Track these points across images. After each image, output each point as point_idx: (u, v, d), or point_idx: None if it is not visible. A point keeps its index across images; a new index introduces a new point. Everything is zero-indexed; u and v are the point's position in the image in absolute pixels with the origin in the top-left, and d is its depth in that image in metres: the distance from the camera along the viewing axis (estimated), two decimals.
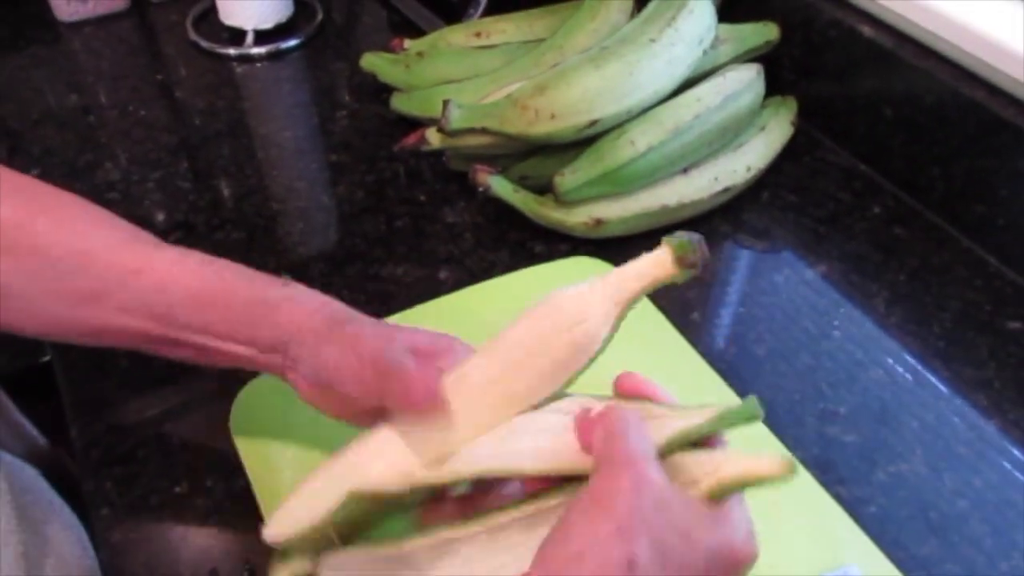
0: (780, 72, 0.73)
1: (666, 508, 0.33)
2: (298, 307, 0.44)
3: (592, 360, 0.39)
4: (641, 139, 0.60)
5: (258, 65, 0.86)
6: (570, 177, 0.61)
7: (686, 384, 0.55)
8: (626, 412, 0.36)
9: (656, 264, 0.37)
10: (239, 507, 0.49)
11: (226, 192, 0.71)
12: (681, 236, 0.37)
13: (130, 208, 0.69)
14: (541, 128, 0.60)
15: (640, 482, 0.33)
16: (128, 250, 0.44)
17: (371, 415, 0.43)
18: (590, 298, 0.38)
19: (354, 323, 0.43)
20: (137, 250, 0.44)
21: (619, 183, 0.61)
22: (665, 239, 0.37)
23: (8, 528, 0.46)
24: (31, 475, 0.58)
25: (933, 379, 0.56)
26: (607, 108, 0.59)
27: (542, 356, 0.38)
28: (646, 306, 0.60)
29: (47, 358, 0.59)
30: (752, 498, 0.49)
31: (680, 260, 0.37)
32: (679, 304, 0.60)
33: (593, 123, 0.60)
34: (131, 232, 0.46)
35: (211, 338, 0.44)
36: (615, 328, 0.38)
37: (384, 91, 0.77)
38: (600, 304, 0.38)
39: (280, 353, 0.44)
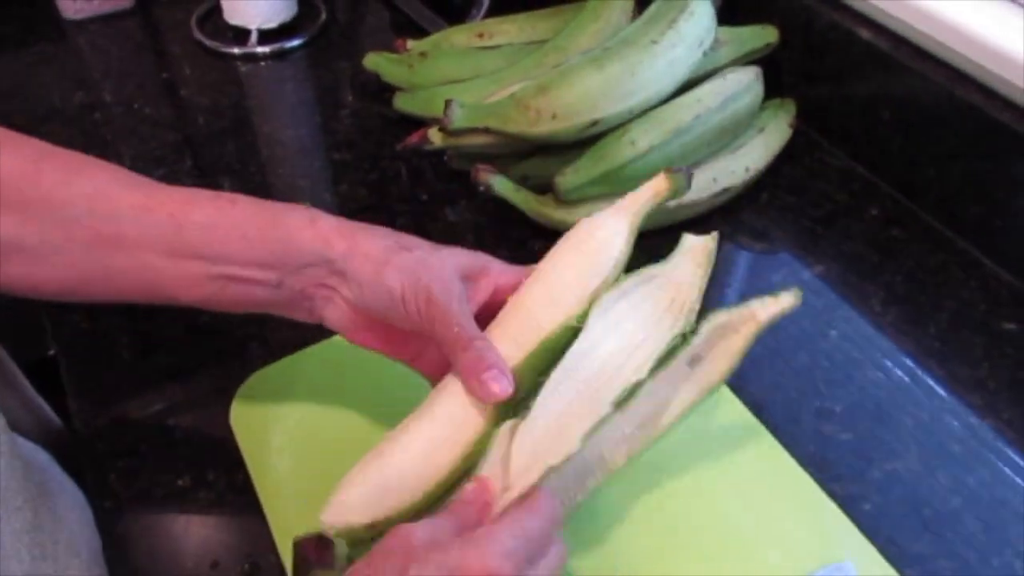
0: (779, 74, 0.74)
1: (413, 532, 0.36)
2: (334, 225, 0.44)
3: (614, 270, 0.45)
4: (642, 139, 0.60)
5: (262, 64, 0.86)
6: (571, 176, 0.61)
7: None
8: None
9: (654, 188, 0.47)
10: (241, 500, 0.50)
11: (230, 189, 0.71)
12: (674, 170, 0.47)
13: None
14: (543, 128, 0.61)
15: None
16: (136, 189, 0.44)
17: (411, 347, 0.46)
18: (603, 217, 0.46)
19: (417, 249, 0.43)
20: (145, 189, 0.44)
21: (620, 183, 0.61)
22: (663, 171, 0.48)
23: (15, 504, 0.46)
24: (44, 458, 0.59)
25: (928, 378, 0.57)
26: (608, 108, 0.60)
27: (569, 270, 0.45)
28: None
29: (52, 352, 0.60)
30: (749, 495, 0.49)
31: (672, 185, 0.47)
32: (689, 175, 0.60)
33: (594, 123, 0.60)
34: (138, 177, 0.45)
35: (231, 266, 0.43)
36: (628, 241, 0.46)
37: (387, 91, 0.77)
38: (611, 219, 0.46)
39: (312, 277, 0.43)
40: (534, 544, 0.37)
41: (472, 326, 0.42)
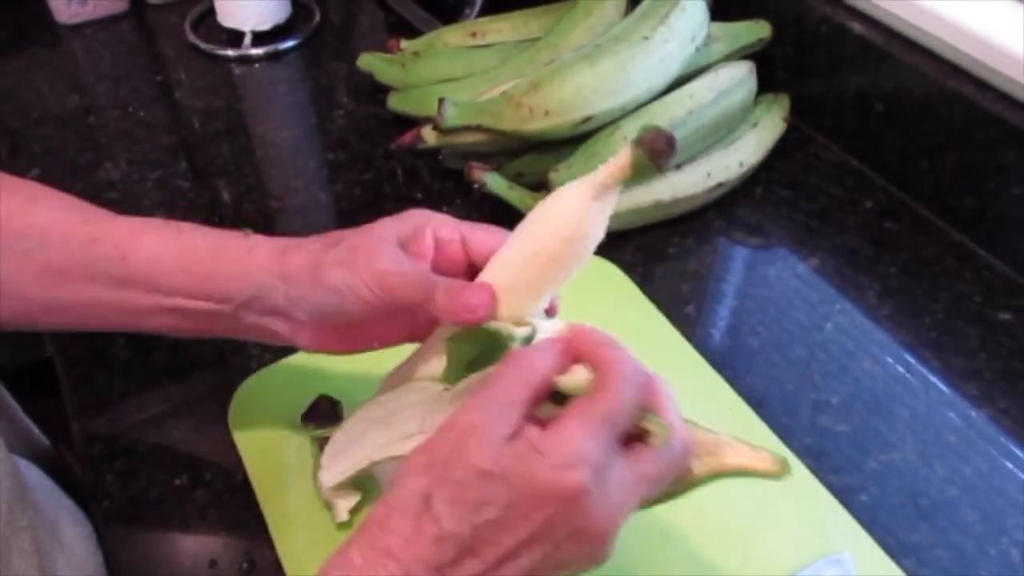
0: (772, 69, 0.74)
1: (465, 450, 0.33)
2: (268, 250, 0.43)
3: (584, 253, 0.40)
4: (634, 134, 0.60)
5: (256, 66, 0.87)
6: (564, 173, 0.61)
7: (679, 376, 0.55)
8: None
9: (619, 165, 0.38)
10: (238, 500, 0.50)
11: (224, 191, 0.72)
12: (642, 146, 0.37)
13: (129, 207, 0.69)
14: (535, 125, 0.61)
15: (455, 423, 0.34)
16: (85, 222, 0.44)
17: (398, 329, 0.44)
18: (567, 197, 0.39)
19: (343, 240, 0.42)
20: (93, 221, 0.44)
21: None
22: (632, 142, 0.38)
23: (20, 525, 0.46)
24: (37, 474, 0.59)
25: (924, 369, 0.57)
26: (601, 104, 0.60)
27: (539, 255, 0.40)
28: (639, 299, 0.61)
29: (48, 354, 0.60)
30: (745, 487, 0.49)
31: (636, 165, 0.38)
32: (673, 297, 0.61)
33: (587, 119, 0.60)
34: (87, 207, 0.46)
35: (180, 299, 0.43)
36: (599, 219, 0.39)
37: (381, 91, 0.77)
38: (577, 199, 0.39)
39: (261, 306, 0.43)
40: (610, 431, 0.34)
41: (424, 274, 0.41)
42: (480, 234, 0.43)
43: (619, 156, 0.38)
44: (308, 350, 0.45)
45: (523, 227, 0.41)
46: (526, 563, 0.32)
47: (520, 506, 0.32)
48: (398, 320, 0.45)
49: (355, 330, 0.45)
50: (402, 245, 0.42)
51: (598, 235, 0.40)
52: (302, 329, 0.44)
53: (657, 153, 0.37)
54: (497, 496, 0.32)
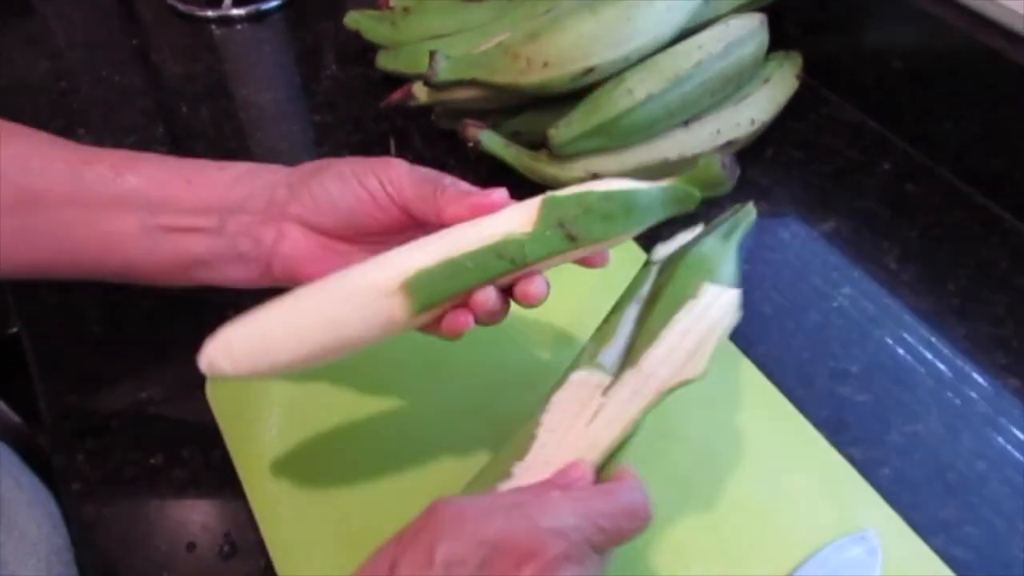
0: (784, 26, 0.70)
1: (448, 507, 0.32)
2: (271, 166, 0.43)
3: None
4: (639, 88, 0.57)
5: (238, 27, 0.82)
6: (565, 129, 0.57)
7: None
8: None
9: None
10: (217, 479, 0.47)
11: (205, 156, 0.67)
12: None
13: None
14: (533, 77, 0.57)
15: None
16: (72, 149, 0.42)
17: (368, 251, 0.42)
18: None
19: (337, 160, 0.42)
20: (80, 147, 0.42)
21: (616, 135, 0.58)
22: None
23: None
24: None
25: (948, 337, 0.53)
26: (603, 55, 0.56)
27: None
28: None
29: (14, 329, 0.57)
30: (762, 461, 0.46)
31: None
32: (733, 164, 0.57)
33: (589, 71, 0.57)
34: (70, 141, 0.43)
35: (169, 214, 0.41)
36: None
37: (369, 50, 0.73)
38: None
39: (249, 214, 0.41)
40: (600, 537, 0.32)
41: (444, 175, 0.41)
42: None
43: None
44: (279, 274, 0.42)
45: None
46: None
47: (483, 564, 0.30)
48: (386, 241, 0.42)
49: (335, 254, 0.42)
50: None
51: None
52: (287, 232, 0.41)
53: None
54: (459, 549, 0.30)
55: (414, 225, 0.41)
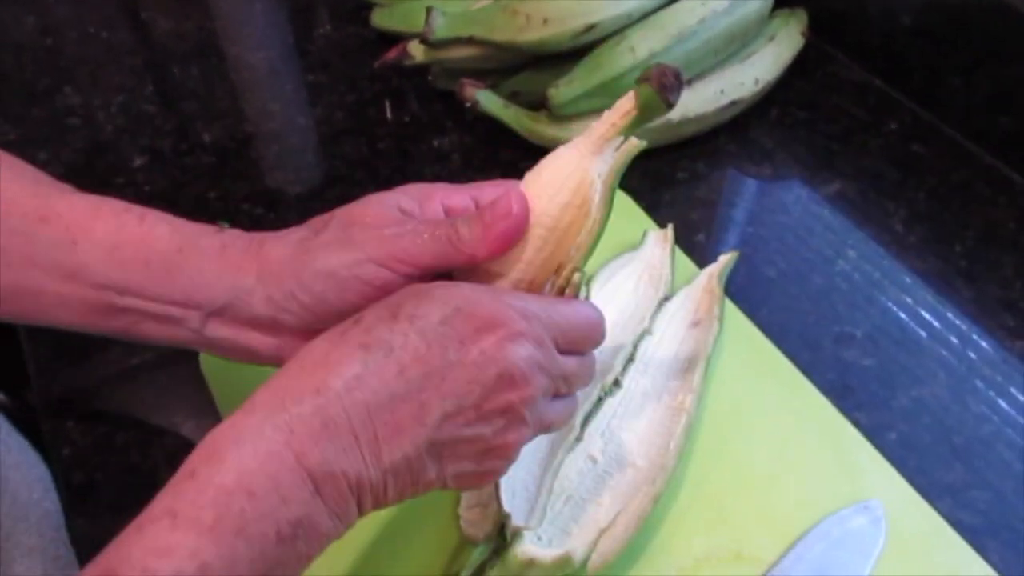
0: None
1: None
2: (243, 246, 0.36)
3: (591, 223, 0.35)
4: (642, 45, 0.55)
5: None
6: (565, 89, 0.56)
7: None
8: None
9: (620, 111, 0.34)
10: None
11: (195, 116, 0.66)
12: (649, 82, 0.33)
13: (92, 133, 0.64)
14: (533, 34, 0.55)
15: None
16: (34, 195, 0.36)
17: None
18: (563, 158, 0.35)
19: (332, 218, 0.36)
20: (43, 195, 0.36)
21: (618, 95, 0.55)
22: (636, 82, 0.34)
23: None
24: None
25: (955, 299, 0.52)
26: (604, 11, 0.55)
27: (537, 227, 0.35)
28: (647, 226, 0.56)
29: None
30: (767, 426, 0.45)
31: (643, 105, 0.34)
32: (683, 225, 0.56)
33: (590, 28, 0.55)
34: (41, 178, 0.38)
35: (139, 299, 0.36)
36: (603, 178, 0.35)
37: (364, 8, 0.72)
38: (575, 158, 0.35)
39: (236, 315, 0.36)
40: (557, 334, 0.33)
41: (445, 219, 0.36)
42: (490, 190, 0.37)
43: (619, 103, 0.34)
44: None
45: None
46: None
47: (446, 320, 0.31)
48: None
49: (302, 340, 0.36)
50: (404, 214, 0.36)
51: (606, 198, 0.35)
52: (288, 343, 0.36)
53: (666, 88, 0.33)
54: (424, 307, 0.31)
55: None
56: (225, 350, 0.37)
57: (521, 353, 0.31)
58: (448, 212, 0.38)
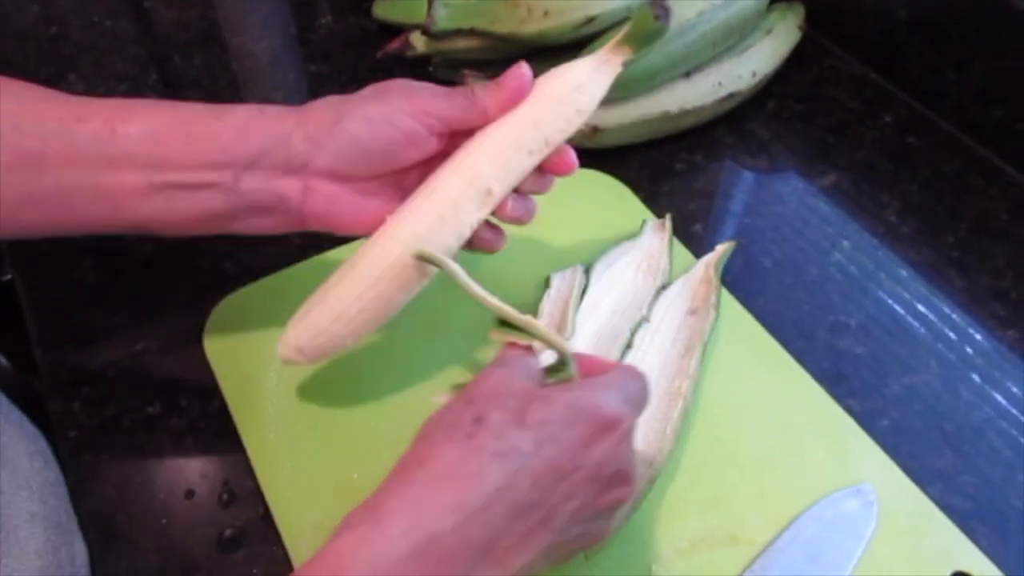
0: None
1: (512, 381, 0.34)
2: (281, 108, 0.40)
3: (575, 116, 0.42)
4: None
5: None
6: None
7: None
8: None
9: (622, 33, 0.42)
10: (215, 427, 0.47)
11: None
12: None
13: None
14: (534, 26, 0.56)
15: (494, 369, 0.35)
16: (66, 103, 0.39)
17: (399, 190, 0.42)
18: (568, 68, 0.42)
19: (369, 86, 0.41)
20: (75, 102, 0.40)
21: (618, 86, 0.56)
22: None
23: None
24: None
25: (947, 289, 0.53)
26: (604, 3, 0.55)
27: (526, 117, 0.41)
28: (645, 217, 0.57)
29: (8, 277, 0.56)
30: (761, 413, 0.46)
31: (638, 23, 0.41)
32: (680, 216, 0.57)
33: (590, 20, 0.56)
34: (69, 95, 0.41)
35: (177, 172, 0.39)
36: (597, 86, 0.42)
37: (366, 0, 0.72)
38: (577, 68, 0.42)
39: (270, 161, 0.40)
40: (636, 404, 0.35)
41: (466, 88, 0.41)
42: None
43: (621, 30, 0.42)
44: (314, 225, 0.42)
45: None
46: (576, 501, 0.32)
47: (572, 424, 0.32)
48: (418, 174, 0.42)
49: (369, 196, 0.42)
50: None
51: (592, 102, 0.42)
52: (316, 187, 0.40)
53: (657, 5, 0.40)
54: (549, 412, 0.32)
55: (446, 146, 0.42)
56: (253, 205, 0.41)
57: (631, 449, 0.35)
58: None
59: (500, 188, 0.41)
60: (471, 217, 0.41)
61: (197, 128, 0.39)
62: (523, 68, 0.41)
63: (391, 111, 0.39)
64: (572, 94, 0.41)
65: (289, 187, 0.40)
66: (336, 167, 0.40)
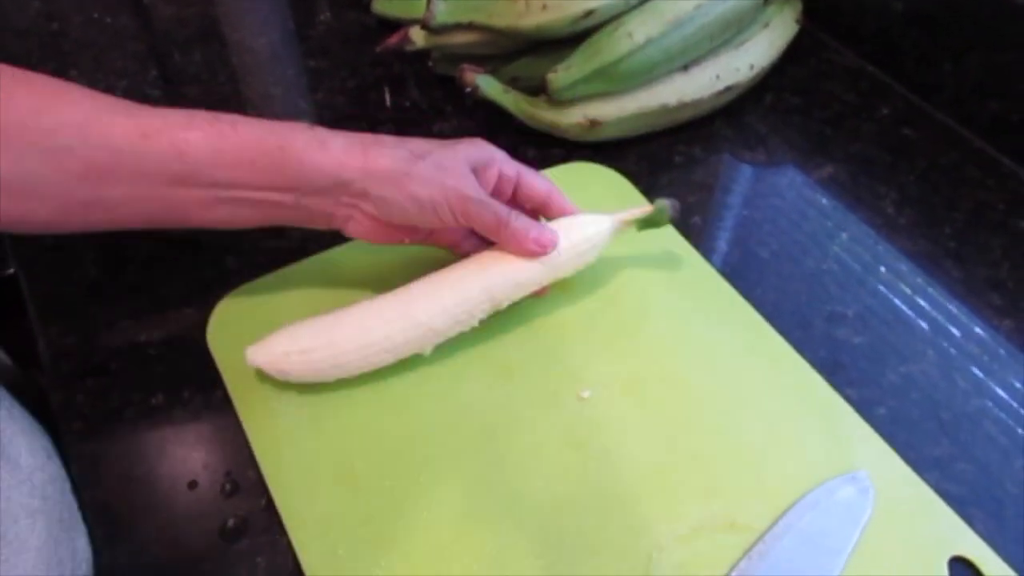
0: None
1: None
2: (344, 145, 0.44)
3: (582, 262, 0.49)
4: (640, 31, 0.56)
5: None
6: (564, 74, 0.57)
7: (688, 285, 0.52)
8: None
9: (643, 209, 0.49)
10: (218, 419, 0.47)
11: (198, 100, 0.67)
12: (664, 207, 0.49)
13: None
14: (532, 20, 0.56)
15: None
16: (128, 116, 0.41)
17: (425, 240, 0.48)
18: (590, 225, 0.49)
19: (430, 155, 0.44)
20: (138, 115, 0.41)
21: (616, 80, 0.57)
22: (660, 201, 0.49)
23: None
24: None
25: (944, 279, 0.54)
26: None
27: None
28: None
29: (11, 271, 0.56)
30: (759, 400, 0.47)
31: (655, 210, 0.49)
32: (680, 208, 0.57)
33: (588, 13, 0.56)
34: (125, 102, 0.42)
35: (243, 191, 0.43)
36: (604, 242, 0.49)
37: None
38: (599, 226, 0.49)
39: (330, 194, 0.44)
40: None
41: (500, 206, 0.45)
42: (531, 178, 0.48)
43: (642, 207, 0.50)
44: (351, 236, 0.47)
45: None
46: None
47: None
48: (451, 232, 0.49)
49: (407, 230, 0.47)
50: (473, 171, 0.45)
51: (596, 253, 0.49)
52: (361, 219, 0.46)
53: (672, 211, 0.49)
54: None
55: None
56: (304, 217, 0.45)
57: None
58: (500, 179, 0.47)
59: (507, 302, 0.47)
60: (477, 317, 0.47)
61: (261, 158, 0.42)
62: (550, 241, 0.46)
63: (439, 202, 0.44)
64: (587, 249, 0.48)
65: (339, 210, 0.45)
66: (378, 215, 0.45)
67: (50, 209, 0.41)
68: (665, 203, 0.49)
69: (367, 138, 0.45)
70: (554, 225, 0.48)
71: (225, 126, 0.42)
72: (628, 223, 0.49)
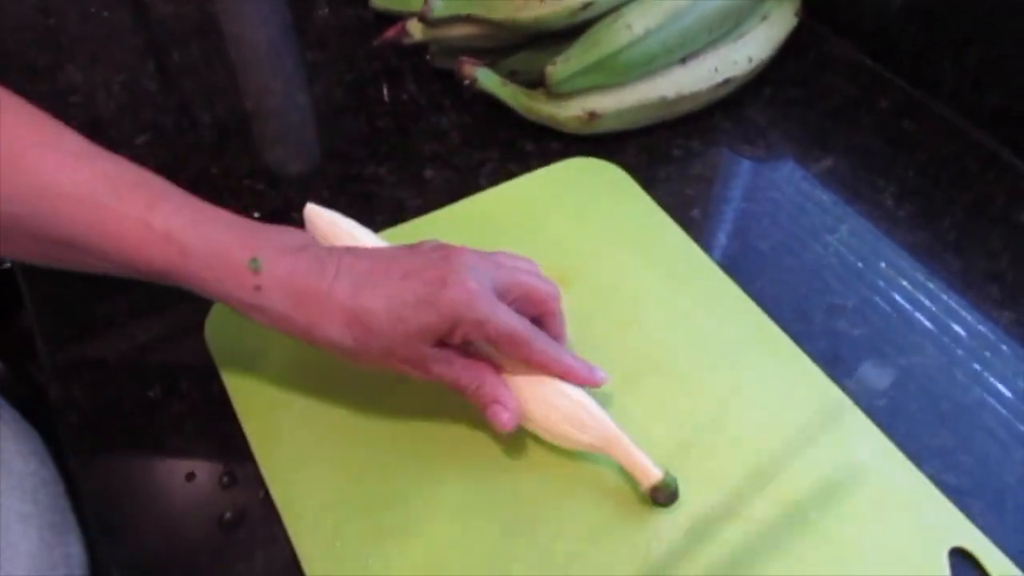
0: None
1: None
2: (348, 288, 0.40)
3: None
4: (639, 22, 0.56)
5: None
6: (562, 66, 0.57)
7: (687, 278, 0.52)
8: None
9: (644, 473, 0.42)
10: (216, 411, 0.47)
11: (195, 93, 0.67)
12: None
13: (94, 111, 0.65)
14: (530, 13, 0.56)
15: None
16: (131, 200, 0.38)
17: None
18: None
19: (426, 270, 0.41)
20: (140, 195, 0.38)
21: (615, 72, 0.57)
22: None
23: None
24: None
25: (944, 272, 0.53)
26: None
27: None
28: (644, 201, 0.57)
29: (7, 265, 0.56)
30: (761, 393, 0.47)
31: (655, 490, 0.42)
32: (678, 201, 0.57)
33: (587, 6, 0.56)
34: (92, 149, 0.40)
35: (212, 284, 0.40)
36: None
37: None
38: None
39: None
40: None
41: (482, 374, 0.42)
42: (541, 285, 0.44)
43: (645, 476, 0.42)
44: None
45: None
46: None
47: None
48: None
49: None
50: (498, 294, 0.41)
51: None
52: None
53: (664, 500, 0.42)
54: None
55: None
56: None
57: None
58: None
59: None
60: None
61: (230, 268, 0.40)
62: (513, 420, 0.42)
63: (419, 334, 0.40)
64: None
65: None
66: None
67: (17, 251, 0.40)
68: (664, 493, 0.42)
69: (369, 271, 0.41)
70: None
71: (226, 225, 0.40)
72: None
